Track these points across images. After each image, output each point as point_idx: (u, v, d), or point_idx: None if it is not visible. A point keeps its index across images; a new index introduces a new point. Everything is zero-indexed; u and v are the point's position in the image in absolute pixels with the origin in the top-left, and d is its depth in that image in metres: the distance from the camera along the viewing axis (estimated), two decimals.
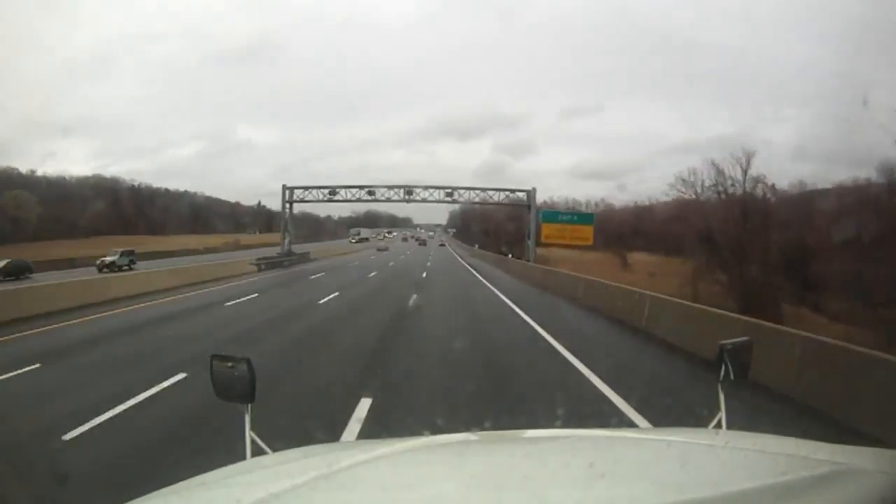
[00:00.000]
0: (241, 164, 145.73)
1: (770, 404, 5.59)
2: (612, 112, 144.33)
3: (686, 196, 36.54)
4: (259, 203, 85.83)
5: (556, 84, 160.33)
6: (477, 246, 62.62)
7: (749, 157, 33.13)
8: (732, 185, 33.03)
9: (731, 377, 1.69)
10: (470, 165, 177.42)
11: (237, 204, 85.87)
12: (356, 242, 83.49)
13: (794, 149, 69.21)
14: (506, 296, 17.24)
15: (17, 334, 10.16)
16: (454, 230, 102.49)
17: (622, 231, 47.36)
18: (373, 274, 27.57)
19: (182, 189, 79.00)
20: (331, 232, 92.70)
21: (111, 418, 5.21)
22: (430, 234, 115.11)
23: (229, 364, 1.69)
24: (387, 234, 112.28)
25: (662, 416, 5.04)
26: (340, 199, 38.53)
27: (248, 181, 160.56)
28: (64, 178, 67.35)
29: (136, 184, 72.76)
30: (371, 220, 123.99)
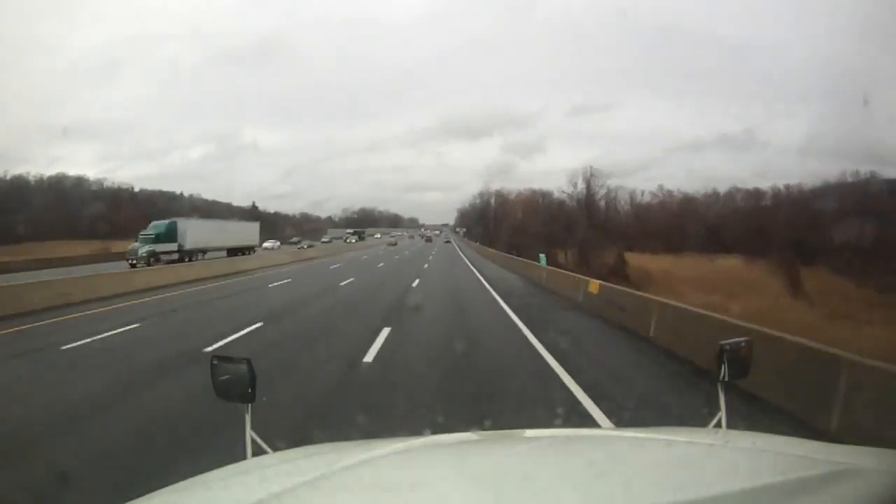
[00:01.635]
0: (247, 166, 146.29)
1: None
2: (621, 110, 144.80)
3: None
4: (252, 204, 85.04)
5: (565, 83, 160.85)
6: (515, 256, 28.89)
7: None
8: None
9: (727, 378, 1.69)
10: (478, 165, 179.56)
11: (229, 205, 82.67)
12: (139, 262, 28.87)
13: (799, 145, 68.26)
14: None
15: None
16: (464, 229, 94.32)
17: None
18: None
19: (179, 191, 77.84)
20: (308, 232, 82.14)
21: None
22: (437, 232, 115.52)
23: (229, 364, 1.71)
24: (350, 238, 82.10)
25: None
26: None
27: (254, 184, 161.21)
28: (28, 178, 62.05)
29: (120, 186, 68.03)
30: (370, 220, 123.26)
